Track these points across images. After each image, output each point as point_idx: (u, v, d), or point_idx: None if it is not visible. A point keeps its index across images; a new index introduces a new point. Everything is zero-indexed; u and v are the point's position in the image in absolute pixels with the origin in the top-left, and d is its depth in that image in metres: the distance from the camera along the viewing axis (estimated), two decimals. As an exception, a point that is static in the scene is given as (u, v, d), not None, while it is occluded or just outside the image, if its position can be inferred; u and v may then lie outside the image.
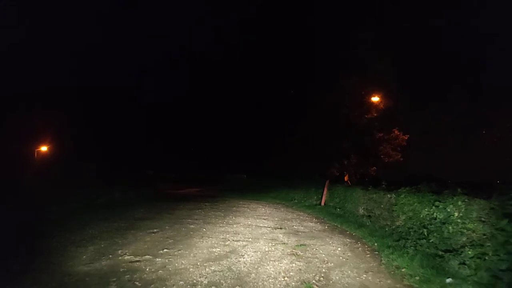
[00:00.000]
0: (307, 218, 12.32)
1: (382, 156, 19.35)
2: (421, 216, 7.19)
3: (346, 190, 13.46)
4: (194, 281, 4.93)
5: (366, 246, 8.03)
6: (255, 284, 4.96)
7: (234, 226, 9.58)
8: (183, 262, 5.78)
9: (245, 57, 33.27)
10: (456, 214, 5.98)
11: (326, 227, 10.59)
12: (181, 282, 4.85)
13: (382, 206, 9.80)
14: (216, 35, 36.29)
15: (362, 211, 11.30)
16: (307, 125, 20.82)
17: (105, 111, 25.09)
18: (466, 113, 23.22)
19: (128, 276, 4.99)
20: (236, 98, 32.79)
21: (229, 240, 7.71)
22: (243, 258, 6.23)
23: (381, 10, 22.97)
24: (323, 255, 6.82)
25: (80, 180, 13.92)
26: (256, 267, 5.73)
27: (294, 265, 5.96)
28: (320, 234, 9.26)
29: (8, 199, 10.17)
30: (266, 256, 6.45)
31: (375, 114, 19.52)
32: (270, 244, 7.52)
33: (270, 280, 5.15)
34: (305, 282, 5.09)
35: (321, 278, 5.37)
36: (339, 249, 7.52)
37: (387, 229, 8.97)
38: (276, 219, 11.43)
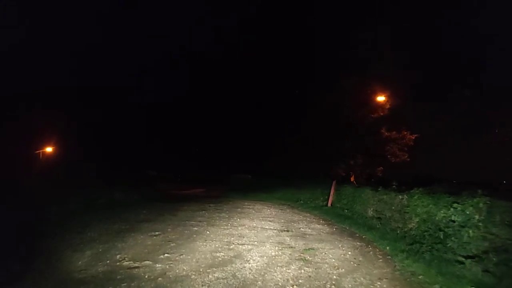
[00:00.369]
0: (314, 219, 11.93)
1: (388, 156, 18.99)
2: (437, 218, 6.79)
3: (355, 191, 13.06)
4: (196, 289, 4.60)
5: (378, 250, 7.64)
6: (262, 293, 4.61)
7: (239, 228, 9.22)
8: (185, 268, 5.43)
9: (245, 57, 33.13)
10: (477, 217, 5.58)
11: (334, 229, 10.20)
12: (182, 291, 4.52)
13: (393, 207, 9.39)
14: (216, 35, 36.14)
15: (372, 212, 10.89)
16: (309, 125, 20.60)
17: (105, 111, 25.00)
18: (466, 113, 22.76)
19: (124, 284, 4.65)
20: (236, 98, 32.67)
21: (233, 243, 7.36)
22: (249, 263, 5.87)
23: (381, 10, 22.56)
24: (333, 260, 6.44)
25: (81, 180, 13.66)
26: (262, 273, 5.37)
27: (303, 271, 5.60)
28: (329, 237, 8.88)
29: (8, 199, 9.91)
30: (273, 261, 6.09)
31: (381, 114, 19.13)
32: (276, 248, 7.16)
33: (277, 288, 4.80)
34: (315, 291, 4.73)
35: (333, 286, 5.00)
36: (349, 253, 7.14)
37: (399, 232, 8.58)
38: (282, 220, 11.06)
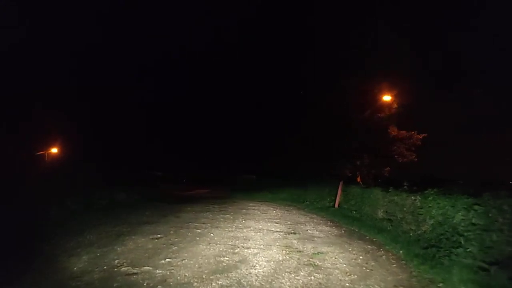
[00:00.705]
0: (321, 221, 11.56)
1: (396, 156, 18.62)
2: (455, 221, 6.38)
3: (363, 191, 12.67)
4: (199, 298, 4.25)
5: (390, 254, 7.25)
6: (269, 302, 4.25)
7: (244, 230, 8.88)
8: (187, 274, 5.08)
9: (245, 57, 32.95)
10: (500, 219, 5.16)
11: (343, 231, 9.82)
12: (183, 300, 4.17)
13: (405, 209, 8.99)
14: (216, 35, 36.04)
15: (382, 214, 10.49)
16: (311, 125, 20.37)
17: (105, 111, 24.88)
18: (475, 112, 22.28)
19: (121, 293, 4.33)
20: (236, 97, 32.56)
21: (238, 247, 7.01)
22: (255, 269, 5.51)
23: (381, 10, 22.17)
24: (344, 265, 6.06)
25: (82, 181, 13.40)
26: (269, 280, 5.01)
27: (313, 278, 5.22)
28: (338, 239, 8.50)
29: (9, 199, 9.64)
30: (281, 267, 5.72)
31: (388, 113, 18.76)
32: (284, 252, 6.80)
33: (286, 297, 4.44)
34: (327, 301, 4.37)
35: (346, 295, 4.63)
36: (360, 257, 6.76)
37: (411, 235, 8.17)
38: (289, 222, 10.71)
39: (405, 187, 9.93)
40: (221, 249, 6.76)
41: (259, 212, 12.63)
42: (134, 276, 4.89)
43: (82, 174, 14.40)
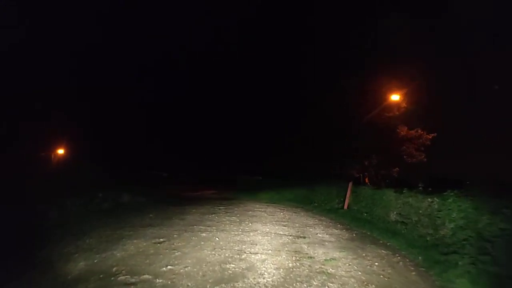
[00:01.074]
0: (330, 224, 11.09)
1: (405, 157, 18.17)
2: (479, 226, 5.89)
3: (374, 192, 12.15)
4: (202, 312, 3.85)
5: (407, 260, 6.78)
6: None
7: (251, 234, 8.46)
8: (189, 284, 4.68)
9: (245, 57, 32.75)
10: (534, 225, 4.68)
11: (354, 235, 9.35)
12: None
13: (420, 211, 8.50)
14: (216, 35, 35.75)
15: (395, 216, 9.99)
16: (312, 124, 20.13)
17: (105, 111, 24.73)
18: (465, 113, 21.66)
19: (118, 306, 3.95)
20: (237, 97, 32.38)
21: (245, 252, 6.60)
22: (263, 278, 5.09)
23: (381, 10, 21.69)
24: (359, 273, 5.62)
25: (85, 181, 13.12)
26: (279, 291, 4.59)
27: (327, 288, 4.80)
28: (349, 244, 8.04)
29: (10, 200, 9.35)
30: (291, 275, 5.30)
31: (397, 113, 18.31)
32: (293, 258, 6.36)
33: (299, 311, 4.02)
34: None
35: (365, 309, 4.19)
36: (376, 264, 6.30)
37: (428, 239, 7.69)
38: (297, 225, 10.26)
39: (420, 188, 9.44)
40: (227, 254, 6.36)
41: (266, 214, 12.21)
42: (132, 286, 4.50)
43: (85, 174, 14.13)
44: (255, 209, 13.70)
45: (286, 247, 7.26)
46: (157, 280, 4.76)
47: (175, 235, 7.94)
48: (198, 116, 37.04)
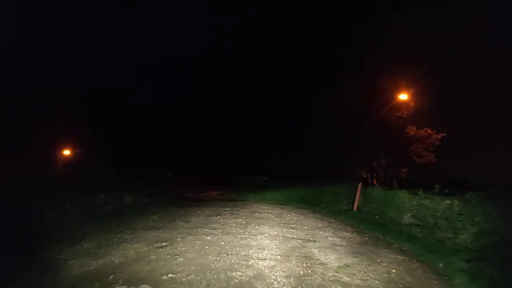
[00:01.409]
0: (340, 226, 10.63)
1: (414, 157, 17.72)
2: (506, 231, 5.41)
3: (385, 194, 11.65)
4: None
5: (427, 267, 6.29)
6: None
7: (258, 237, 8.04)
8: (193, 295, 4.29)
9: (245, 57, 32.63)
10: None
11: (366, 238, 8.88)
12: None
13: (437, 214, 8.01)
14: (216, 35, 35.66)
15: (409, 219, 9.49)
16: (313, 125, 19.81)
17: (106, 111, 24.64)
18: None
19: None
20: (237, 97, 32.26)
21: (252, 258, 6.18)
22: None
23: (381, 10, 21.29)
24: (377, 282, 5.17)
25: (88, 182, 12.83)
26: (291, 303, 4.17)
27: (343, 300, 4.37)
28: (362, 248, 7.59)
29: (11, 201, 9.06)
30: (303, 285, 4.87)
31: (405, 112, 17.87)
32: (304, 264, 5.93)
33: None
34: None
35: (387, 325, 3.75)
36: (393, 271, 5.83)
37: (448, 244, 7.20)
38: (306, 228, 9.82)
39: (436, 189, 8.95)
40: (232, 260, 5.95)
41: (273, 216, 11.80)
42: (130, 298, 4.12)
43: (88, 175, 13.86)
44: (262, 210, 13.29)
45: (296, 252, 6.83)
46: (157, 291, 4.37)
47: (178, 239, 7.56)
48: (198, 116, 37.06)
